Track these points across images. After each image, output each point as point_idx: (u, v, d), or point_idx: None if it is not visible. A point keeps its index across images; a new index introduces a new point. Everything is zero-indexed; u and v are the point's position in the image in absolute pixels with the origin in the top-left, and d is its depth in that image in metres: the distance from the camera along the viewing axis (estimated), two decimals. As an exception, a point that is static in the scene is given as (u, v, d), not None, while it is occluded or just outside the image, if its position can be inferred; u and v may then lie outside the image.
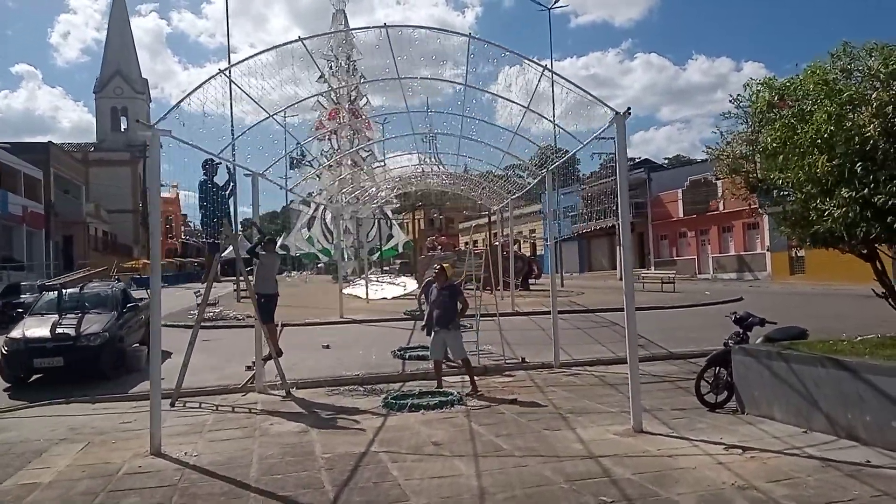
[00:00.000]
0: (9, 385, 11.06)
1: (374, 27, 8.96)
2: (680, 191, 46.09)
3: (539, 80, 8.60)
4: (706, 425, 7.25)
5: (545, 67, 8.15)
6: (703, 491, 5.20)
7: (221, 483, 5.84)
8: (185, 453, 6.83)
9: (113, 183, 59.96)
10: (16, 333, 11.35)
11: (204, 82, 7.18)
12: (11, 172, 37.43)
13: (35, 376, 11.42)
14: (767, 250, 39.27)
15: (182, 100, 7.17)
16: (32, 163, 40.15)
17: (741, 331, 8.38)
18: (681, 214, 46.37)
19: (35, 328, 11.48)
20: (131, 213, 65.11)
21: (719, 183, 40.34)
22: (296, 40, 7.90)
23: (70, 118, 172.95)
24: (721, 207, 41.66)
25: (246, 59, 8.14)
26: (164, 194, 79.84)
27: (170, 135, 7.04)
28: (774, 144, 7.76)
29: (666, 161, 71.89)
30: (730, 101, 9.48)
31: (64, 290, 13.23)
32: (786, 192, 8.28)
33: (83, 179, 54.87)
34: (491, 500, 5.18)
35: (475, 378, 9.59)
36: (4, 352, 11.00)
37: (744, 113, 9.51)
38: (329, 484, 5.69)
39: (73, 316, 12.00)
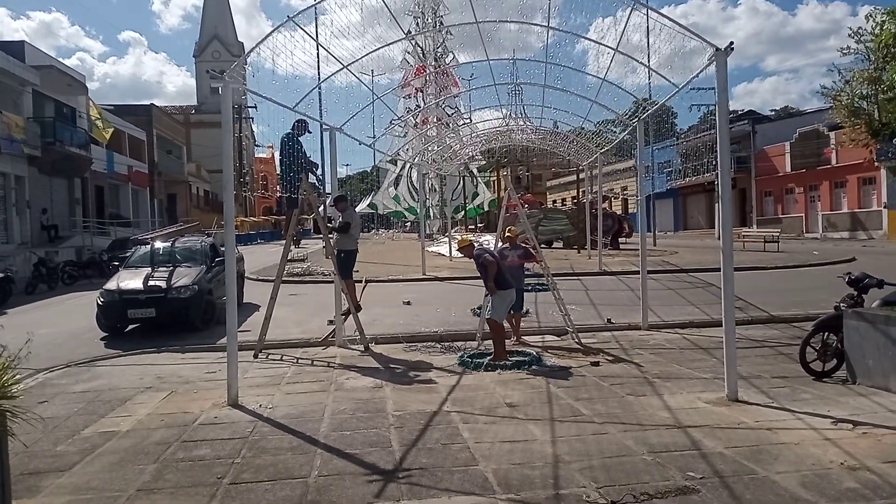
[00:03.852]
0: (105, 335, 11.63)
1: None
2: (788, 144, 42.91)
3: (628, 17, 7.86)
4: (811, 396, 6.56)
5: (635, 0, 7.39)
6: (807, 470, 4.63)
7: (291, 437, 5.78)
8: (261, 405, 6.86)
9: (212, 144, 62.14)
10: (111, 285, 11.88)
11: (273, 30, 6.96)
12: (116, 133, 39.38)
13: (131, 326, 11.95)
14: (884, 207, 36.02)
15: (251, 50, 7.00)
16: (136, 124, 42.12)
17: (856, 293, 7.51)
18: (788, 169, 43.29)
19: (129, 280, 11.97)
20: (230, 173, 67.55)
21: (832, 135, 37.24)
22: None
23: (174, 83, 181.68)
24: (833, 160, 38.64)
25: (311, 6, 7.87)
26: (260, 154, 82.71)
27: (240, 85, 6.90)
28: (903, 81, 6.71)
29: (772, 112, 67.10)
30: (849, 36, 8.36)
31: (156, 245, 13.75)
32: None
33: (184, 140, 57.27)
34: (565, 469, 4.81)
35: (500, 344, 8.59)
36: (100, 303, 11.55)
37: (865, 48, 8.36)
38: (397, 443, 5.50)
39: (164, 269, 12.44)
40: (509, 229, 10.40)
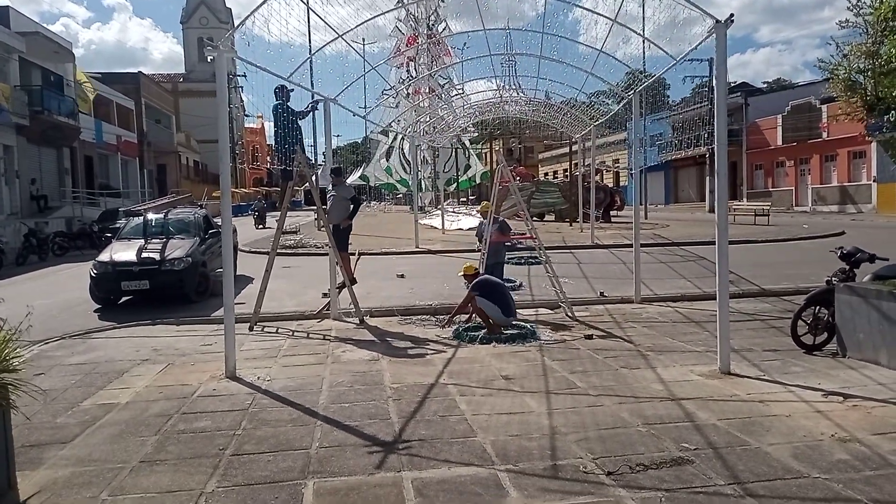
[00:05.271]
0: (99, 307, 11.61)
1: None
2: (780, 117, 42.85)
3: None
4: (802, 369, 6.67)
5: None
6: (799, 442, 4.73)
7: (290, 409, 5.83)
8: (259, 377, 6.90)
9: (202, 113, 61.36)
10: (104, 257, 11.83)
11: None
12: (104, 102, 38.80)
13: (124, 298, 11.93)
14: (874, 181, 36.22)
15: (246, 18, 6.89)
16: (123, 93, 41.44)
17: (847, 267, 7.61)
18: (779, 142, 43.28)
19: (122, 252, 11.92)
20: (220, 143, 66.70)
21: (825, 108, 37.19)
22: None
23: (160, 50, 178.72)
24: (824, 135, 38.69)
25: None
26: (250, 125, 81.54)
27: (235, 55, 6.82)
28: (901, 56, 6.71)
29: (765, 85, 66.90)
30: (848, 9, 8.27)
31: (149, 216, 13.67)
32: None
33: (173, 109, 56.51)
34: (562, 440, 4.90)
35: (487, 319, 8.81)
36: (93, 274, 11.51)
37: (864, 21, 8.30)
38: (395, 415, 5.57)
39: (157, 241, 12.39)
40: (483, 204, 10.46)
